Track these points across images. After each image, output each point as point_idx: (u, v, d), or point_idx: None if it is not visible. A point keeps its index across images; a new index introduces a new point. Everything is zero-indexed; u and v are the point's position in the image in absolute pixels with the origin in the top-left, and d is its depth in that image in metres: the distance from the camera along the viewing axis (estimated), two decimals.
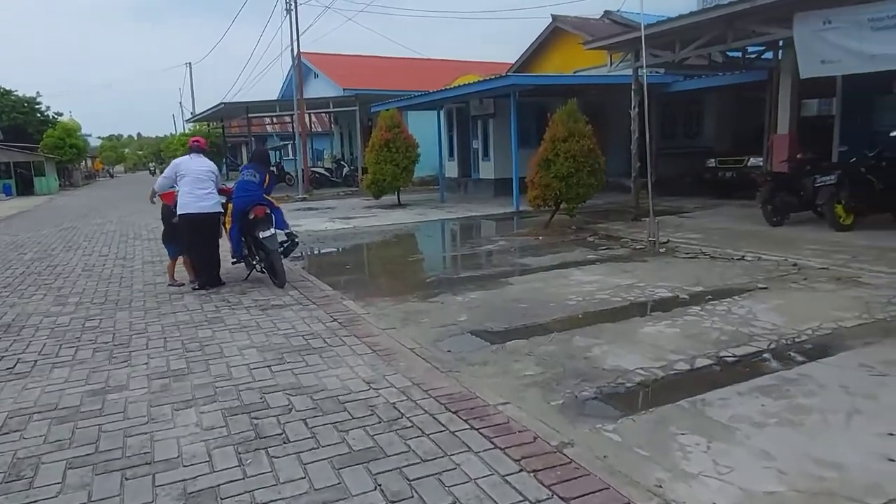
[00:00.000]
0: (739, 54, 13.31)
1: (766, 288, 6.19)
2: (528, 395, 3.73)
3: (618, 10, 18.68)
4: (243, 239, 7.22)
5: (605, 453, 2.95)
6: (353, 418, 3.37)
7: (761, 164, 13.72)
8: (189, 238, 6.96)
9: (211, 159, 7.52)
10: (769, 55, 13.25)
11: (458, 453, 2.93)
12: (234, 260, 7.35)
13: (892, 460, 2.81)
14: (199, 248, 6.99)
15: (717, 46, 10.25)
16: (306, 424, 3.31)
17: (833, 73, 8.73)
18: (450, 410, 3.42)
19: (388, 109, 16.74)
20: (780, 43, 12.20)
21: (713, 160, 15.12)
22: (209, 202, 6.93)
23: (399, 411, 3.44)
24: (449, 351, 4.65)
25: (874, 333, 4.67)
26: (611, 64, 12.35)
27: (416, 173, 17.61)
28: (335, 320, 5.44)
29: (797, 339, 4.60)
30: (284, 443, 3.10)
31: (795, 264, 7.22)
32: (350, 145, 28.71)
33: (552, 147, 10.44)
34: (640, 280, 6.79)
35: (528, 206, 11.46)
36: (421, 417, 3.35)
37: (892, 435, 3.05)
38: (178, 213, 6.89)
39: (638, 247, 8.94)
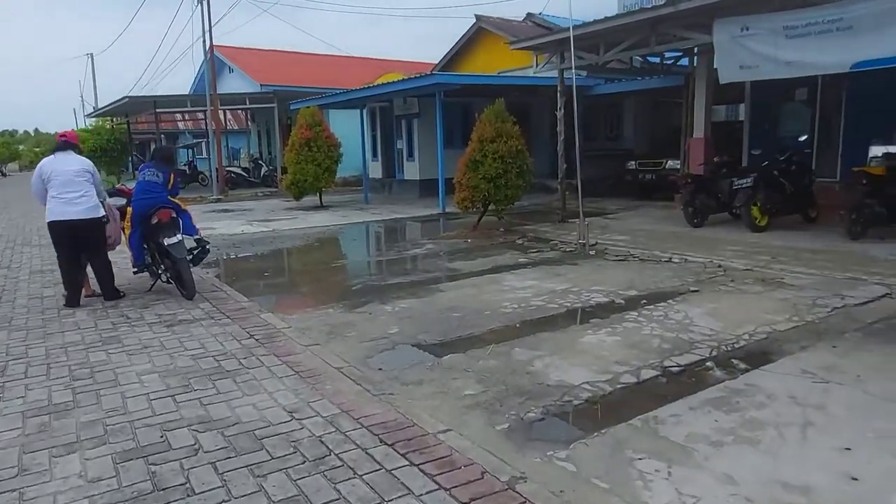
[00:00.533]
0: (658, 60, 13.61)
1: (697, 291, 6.17)
2: (471, 420, 3.39)
3: (539, 13, 18.82)
4: (146, 246, 6.50)
5: (560, 488, 2.65)
6: (273, 458, 2.91)
7: (679, 166, 14.13)
8: (58, 249, 6.07)
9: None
10: (685, 62, 13.64)
11: (397, 498, 2.54)
12: (136, 269, 6.60)
13: (856, 479, 2.67)
14: (70, 262, 6.07)
15: (640, 50, 10.35)
16: (216, 469, 2.82)
17: (751, 78, 8.98)
18: (385, 443, 3.03)
19: (308, 107, 16.04)
20: (696, 50, 12.58)
21: (633, 162, 15.46)
22: (82, 206, 5.94)
23: (327, 447, 3.01)
24: (380, 369, 4.24)
25: (807, 337, 4.67)
26: (536, 65, 12.28)
27: (338, 174, 16.99)
28: (252, 337, 4.90)
29: (737, 345, 4.52)
30: (188, 495, 2.61)
31: (720, 266, 7.30)
32: (269, 144, 27.55)
33: (480, 148, 10.21)
34: (574, 285, 6.63)
35: (456, 207, 11.19)
36: (352, 453, 2.93)
37: (848, 450, 2.93)
38: (47, 220, 5.96)
39: (568, 249, 8.84)
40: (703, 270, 7.11)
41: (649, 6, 9.34)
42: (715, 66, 11.74)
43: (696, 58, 12.80)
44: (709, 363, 4.18)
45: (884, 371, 3.90)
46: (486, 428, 3.28)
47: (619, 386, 3.82)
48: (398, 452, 2.92)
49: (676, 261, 7.72)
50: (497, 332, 5.03)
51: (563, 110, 11.39)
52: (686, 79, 13.74)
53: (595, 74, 15.93)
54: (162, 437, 3.17)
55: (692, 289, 6.25)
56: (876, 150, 9.36)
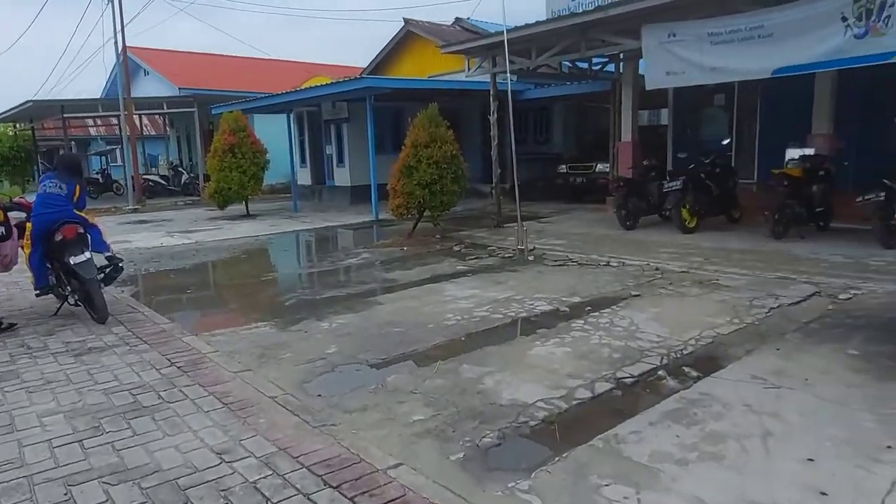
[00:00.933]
0: (586, 65, 13.82)
1: (639, 295, 6.15)
2: (423, 450, 3.12)
3: (468, 18, 18.81)
4: (49, 265, 5.85)
5: None
6: None
7: (608, 169, 14.41)
8: None
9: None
10: (612, 67, 13.92)
11: None
12: (38, 292, 5.93)
13: (825, 494, 2.59)
14: None
15: (571, 55, 10.42)
16: None
17: (677, 84, 9.16)
18: (329, 485, 2.71)
19: (231, 111, 15.30)
20: (622, 56, 12.84)
21: (564, 166, 15.65)
22: None
23: (263, 495, 2.66)
24: (320, 395, 3.91)
25: (751, 339, 4.69)
26: (468, 69, 12.17)
27: (265, 181, 16.33)
28: (173, 365, 4.44)
29: (685, 352, 4.47)
30: None
31: (658, 268, 7.36)
32: (189, 150, 26.25)
33: (414, 153, 9.97)
34: (516, 293, 6.48)
35: (390, 214, 10.90)
36: (294, 500, 2.61)
37: (811, 461, 2.87)
38: None
39: (506, 255, 8.72)
40: (642, 274, 7.14)
41: (580, 11, 9.39)
42: (642, 73, 12.07)
43: (622, 64, 13.06)
44: (661, 372, 4.09)
45: (829, 373, 3.92)
46: (439, 459, 3.03)
47: (574, 402, 3.66)
48: (345, 496, 2.61)
49: (615, 264, 7.74)
50: (442, 348, 4.78)
51: (496, 115, 11.33)
52: (613, 84, 14.03)
53: (525, 79, 16.05)
54: (66, 494, 2.72)
55: (634, 293, 6.23)
56: (792, 153, 9.73)
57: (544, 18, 11.37)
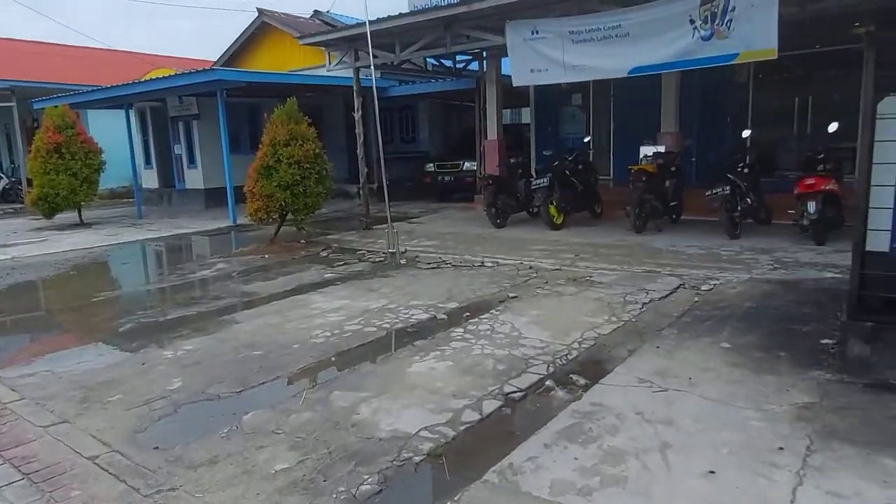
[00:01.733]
0: (451, 63, 13.68)
1: (516, 297, 5.96)
2: None
3: (327, 11, 18.03)
4: None
5: None
6: None
7: (475, 167, 14.41)
8: None
9: None
10: (476, 65, 13.91)
11: None
12: None
13: None
14: None
15: (436, 50, 10.15)
16: None
17: (541, 81, 9.19)
18: None
19: (56, 106, 13.35)
20: (485, 54, 12.85)
21: (431, 165, 15.45)
22: None
23: None
24: (157, 448, 3.19)
25: (631, 338, 4.62)
26: (329, 63, 11.51)
27: (103, 185, 14.50)
28: None
29: (570, 357, 4.28)
30: None
31: (532, 267, 7.26)
32: (9, 151, 22.86)
33: (273, 152, 9.17)
34: (390, 301, 6.03)
35: (249, 219, 9.98)
36: None
37: (713, 473, 2.71)
38: None
39: (377, 259, 8.24)
40: (517, 273, 6.99)
41: (444, 4, 9.12)
42: (505, 72, 12.11)
43: (485, 62, 13.06)
44: (549, 382, 3.84)
45: (709, 370, 3.89)
46: None
47: (462, 427, 3.28)
48: None
49: (489, 265, 7.55)
50: (310, 372, 4.22)
51: (360, 112, 10.80)
52: (477, 82, 14.04)
53: (389, 76, 15.64)
54: None
55: (511, 295, 6.03)
56: (646, 150, 10.19)
57: (409, 11, 11.01)
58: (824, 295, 5.47)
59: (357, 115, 10.74)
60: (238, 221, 12.37)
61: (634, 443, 3.00)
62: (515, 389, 3.74)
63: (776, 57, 7.17)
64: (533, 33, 8.68)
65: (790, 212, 7.97)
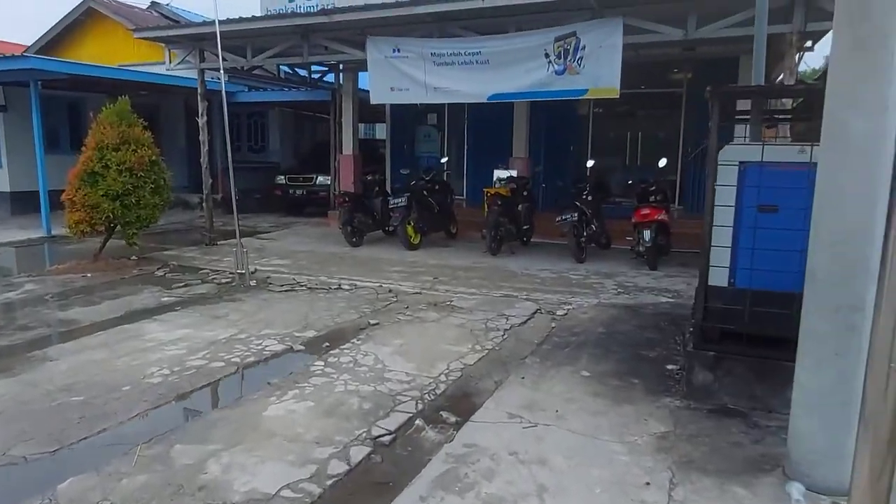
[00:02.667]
0: (306, 73, 13.19)
1: (378, 324, 5.73)
2: None
3: (167, 4, 16.60)
4: None
5: None
6: None
7: (330, 182, 13.98)
8: None
9: None
10: (332, 77, 13.54)
11: None
12: None
13: None
14: None
15: (292, 59, 9.70)
16: None
17: (401, 100, 9.12)
18: None
19: None
20: (342, 67, 12.55)
21: (283, 177, 14.75)
22: None
23: None
24: None
25: (496, 368, 4.60)
26: (170, 62, 10.50)
27: None
28: None
29: (438, 391, 4.14)
30: None
31: (391, 290, 7.08)
32: None
33: (100, 157, 8.08)
34: (240, 329, 5.50)
35: (68, 231, 8.70)
36: None
37: None
38: None
39: (223, 280, 7.55)
40: (377, 297, 6.77)
41: (302, 12, 8.71)
42: (363, 87, 11.91)
43: (342, 74, 12.76)
44: (419, 422, 3.66)
45: (573, 401, 3.96)
46: None
47: (329, 482, 2.98)
48: None
49: (347, 287, 7.24)
50: (146, 421, 3.64)
51: (205, 117, 9.96)
52: (333, 94, 13.66)
53: (237, 80, 14.70)
54: None
55: (372, 322, 5.79)
56: (499, 174, 10.53)
57: (256, 15, 10.40)
58: (663, 319, 5.91)
59: (201, 121, 9.89)
60: (53, 232, 10.79)
61: (511, 487, 2.92)
62: (385, 432, 3.51)
63: (618, 96, 7.76)
64: (395, 51, 8.58)
65: (628, 238, 8.62)
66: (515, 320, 5.86)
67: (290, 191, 14.45)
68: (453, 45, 8.26)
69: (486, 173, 11.40)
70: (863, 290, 2.80)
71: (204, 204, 10.54)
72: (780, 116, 6.78)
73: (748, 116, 5.36)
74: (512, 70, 8.00)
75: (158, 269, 8.21)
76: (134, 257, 8.73)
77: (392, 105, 13.03)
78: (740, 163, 3.89)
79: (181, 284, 7.34)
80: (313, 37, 8.97)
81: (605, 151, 11.91)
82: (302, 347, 5.05)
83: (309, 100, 14.59)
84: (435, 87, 8.56)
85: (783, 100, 7.20)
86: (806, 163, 3.64)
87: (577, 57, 7.63)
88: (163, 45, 10.47)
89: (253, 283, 7.38)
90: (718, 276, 4.03)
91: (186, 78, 12.06)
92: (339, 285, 7.33)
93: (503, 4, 7.64)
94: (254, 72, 12.55)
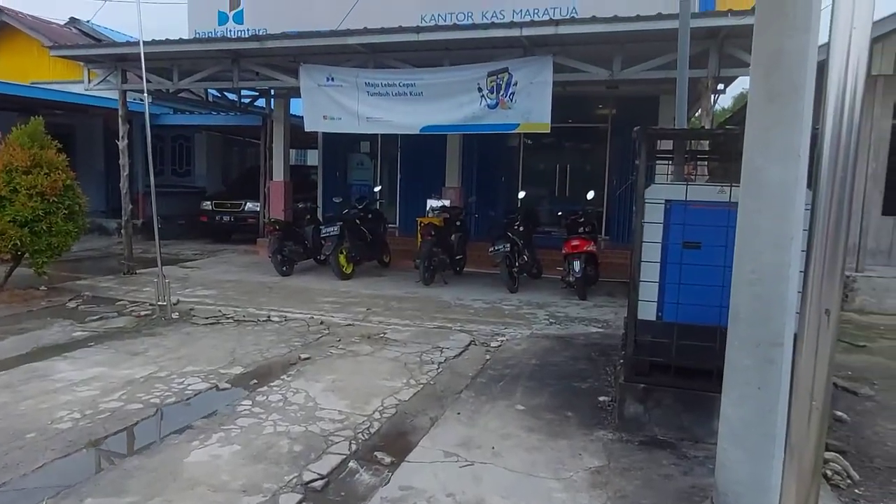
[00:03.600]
0: (235, 97, 12.90)
1: (309, 359, 5.55)
2: None
3: (88, 21, 15.89)
4: None
5: None
6: None
7: (258, 209, 13.63)
8: None
9: None
10: (262, 102, 13.30)
11: None
12: None
13: None
14: None
15: (221, 83, 9.46)
16: None
17: (334, 129, 9.03)
18: None
19: None
20: (273, 92, 12.36)
21: (209, 203, 14.27)
22: None
23: None
24: None
25: (431, 405, 4.53)
26: (88, 81, 10.01)
27: None
28: None
29: (372, 430, 4.03)
30: None
31: (323, 322, 6.92)
32: None
33: (8, 180, 7.55)
34: (160, 367, 5.19)
35: None
36: None
37: None
38: None
39: (143, 313, 7.15)
40: (308, 330, 6.58)
41: (233, 37, 8.54)
42: (294, 113, 11.76)
43: (273, 100, 12.56)
44: (353, 464, 3.54)
45: (510, 437, 3.95)
46: None
47: None
48: None
49: (276, 319, 7.01)
50: (52, 473, 3.34)
51: (126, 140, 9.52)
52: (264, 119, 13.41)
53: (162, 102, 14.19)
54: None
55: (303, 356, 5.60)
56: (433, 203, 10.59)
57: (187, 38, 10.11)
58: (594, 350, 6.03)
59: (122, 144, 9.43)
60: None
61: None
62: (316, 476, 3.37)
63: (549, 130, 7.99)
64: (328, 79, 8.52)
65: (559, 268, 8.82)
66: (450, 353, 5.83)
67: (217, 217, 13.98)
68: (388, 76, 8.30)
69: (418, 202, 11.44)
70: (781, 327, 2.94)
71: (123, 230, 10.00)
72: (700, 157, 7.16)
73: (670, 155, 5.62)
74: (445, 102, 8.10)
75: (71, 300, 7.69)
76: (43, 287, 8.15)
77: (325, 132, 12.92)
78: (666, 201, 4.05)
79: (96, 317, 6.88)
80: (244, 62, 8.79)
81: (535, 182, 12.23)
82: (228, 385, 4.82)
83: (238, 124, 14.26)
84: (368, 118, 8.54)
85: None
86: (726, 202, 3.84)
87: (510, 92, 7.83)
88: (82, 63, 9.98)
89: (175, 315, 7.02)
90: (647, 311, 4.15)
91: (106, 98, 11.55)
92: (269, 317, 7.09)
93: (437, 38, 7.77)
94: (180, 94, 12.15)
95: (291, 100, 12.49)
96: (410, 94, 8.22)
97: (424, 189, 11.76)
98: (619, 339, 6.04)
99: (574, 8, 9.98)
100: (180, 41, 8.62)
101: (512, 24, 7.48)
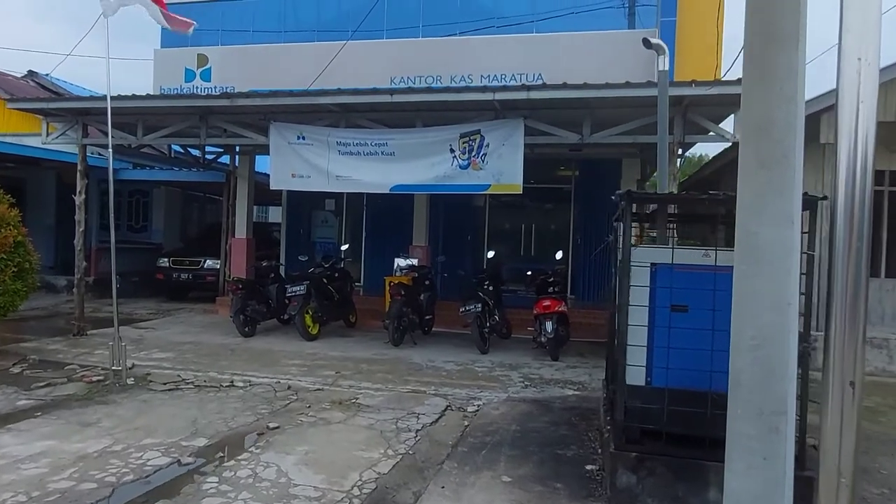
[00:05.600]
0: (198, 153, 12.70)
1: (278, 428, 5.23)
2: None
3: (47, 74, 15.61)
4: None
5: None
6: None
7: (219, 266, 13.22)
8: None
9: None
10: (226, 158, 13.12)
11: None
12: None
13: None
14: None
15: (186, 139, 9.29)
16: None
17: (303, 188, 8.89)
18: None
19: None
20: (238, 149, 12.23)
21: (166, 259, 13.77)
22: None
23: None
24: None
25: (413, 477, 4.29)
26: (46, 135, 9.69)
27: None
28: None
29: None
30: None
31: (290, 387, 6.59)
32: None
33: None
34: (115, 440, 4.79)
35: None
36: None
37: None
38: None
39: (95, 378, 6.68)
40: (275, 396, 6.24)
41: (201, 94, 8.44)
42: (259, 170, 11.62)
43: (237, 157, 12.40)
44: None
45: None
46: None
47: None
48: None
49: (240, 384, 6.65)
50: None
51: (84, 195, 9.17)
52: (227, 175, 13.17)
53: (121, 157, 13.84)
54: None
55: (271, 425, 5.28)
56: (400, 262, 10.45)
57: (151, 94, 9.99)
58: (573, 414, 5.89)
59: (79, 199, 9.07)
60: None
61: None
62: None
63: (521, 192, 8.06)
64: (299, 138, 8.46)
65: (529, 328, 8.73)
66: (426, 419, 5.60)
67: (175, 275, 13.48)
68: (359, 135, 8.30)
69: (384, 260, 11.28)
70: (784, 393, 2.87)
71: (75, 288, 9.48)
72: (683, 219, 7.25)
73: (644, 219, 5.69)
74: (417, 162, 8.12)
75: (14, 364, 7.16)
76: None
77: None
78: (652, 264, 4.04)
79: (43, 384, 6.39)
80: (213, 119, 8.67)
81: (502, 241, 12.26)
82: (191, 459, 4.46)
83: (201, 180, 13.99)
84: (338, 176, 8.46)
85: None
86: (711, 266, 3.85)
87: (482, 153, 7.90)
88: (41, 117, 9.68)
89: (130, 381, 6.59)
90: (636, 376, 4.06)
91: (60, 151, 11.20)
92: (232, 382, 6.72)
93: (411, 100, 7.84)
94: (142, 149, 11.89)
95: (257, 157, 12.36)
96: (382, 153, 8.22)
97: (390, 247, 11.62)
98: (596, 403, 5.93)
99: (540, 74, 10.33)
100: (148, 97, 8.49)
101: (485, 89, 7.63)
